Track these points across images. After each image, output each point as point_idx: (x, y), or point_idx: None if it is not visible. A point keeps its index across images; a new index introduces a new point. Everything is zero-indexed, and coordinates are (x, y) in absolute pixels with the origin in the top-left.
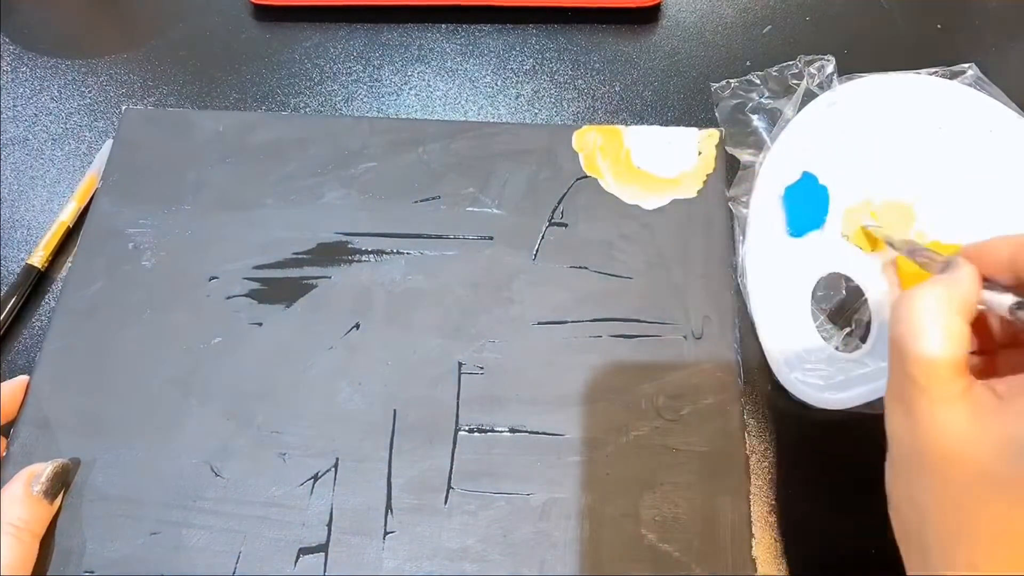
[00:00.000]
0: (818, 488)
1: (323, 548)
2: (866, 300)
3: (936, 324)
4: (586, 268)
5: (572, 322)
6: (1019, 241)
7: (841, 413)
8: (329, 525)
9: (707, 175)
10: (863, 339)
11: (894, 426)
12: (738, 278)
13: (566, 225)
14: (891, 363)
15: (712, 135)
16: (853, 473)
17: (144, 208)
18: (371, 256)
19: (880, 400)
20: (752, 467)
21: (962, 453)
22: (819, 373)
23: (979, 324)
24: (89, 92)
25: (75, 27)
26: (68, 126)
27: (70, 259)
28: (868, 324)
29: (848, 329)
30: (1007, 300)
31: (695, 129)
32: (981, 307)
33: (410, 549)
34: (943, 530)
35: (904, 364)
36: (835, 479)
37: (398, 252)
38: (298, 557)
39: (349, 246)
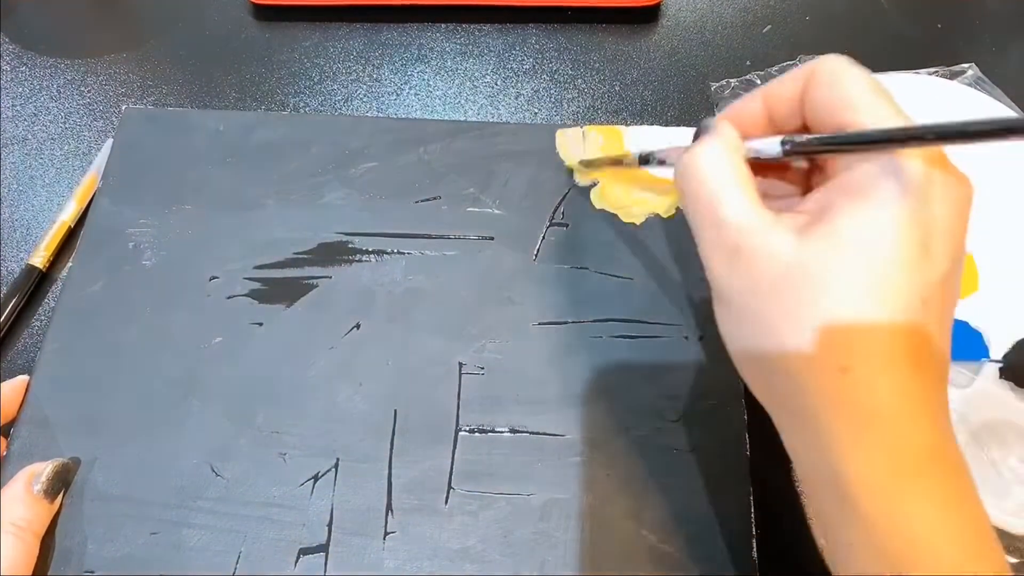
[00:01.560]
0: None
1: (323, 548)
2: None
3: (731, 166)
4: (587, 268)
5: (573, 322)
6: (766, 89)
7: None
8: (329, 525)
9: None
10: None
11: (723, 275)
12: None
13: (567, 225)
14: (697, 221)
15: None
16: None
17: (144, 208)
18: (372, 256)
19: None
20: (756, 467)
21: (800, 267)
22: None
23: None
24: (89, 92)
25: (75, 27)
26: (68, 126)
27: (71, 259)
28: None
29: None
30: (774, 142)
31: (695, 129)
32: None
33: (410, 549)
34: (808, 346)
35: (716, 213)
36: None
37: (399, 252)
38: (298, 557)
39: (350, 246)
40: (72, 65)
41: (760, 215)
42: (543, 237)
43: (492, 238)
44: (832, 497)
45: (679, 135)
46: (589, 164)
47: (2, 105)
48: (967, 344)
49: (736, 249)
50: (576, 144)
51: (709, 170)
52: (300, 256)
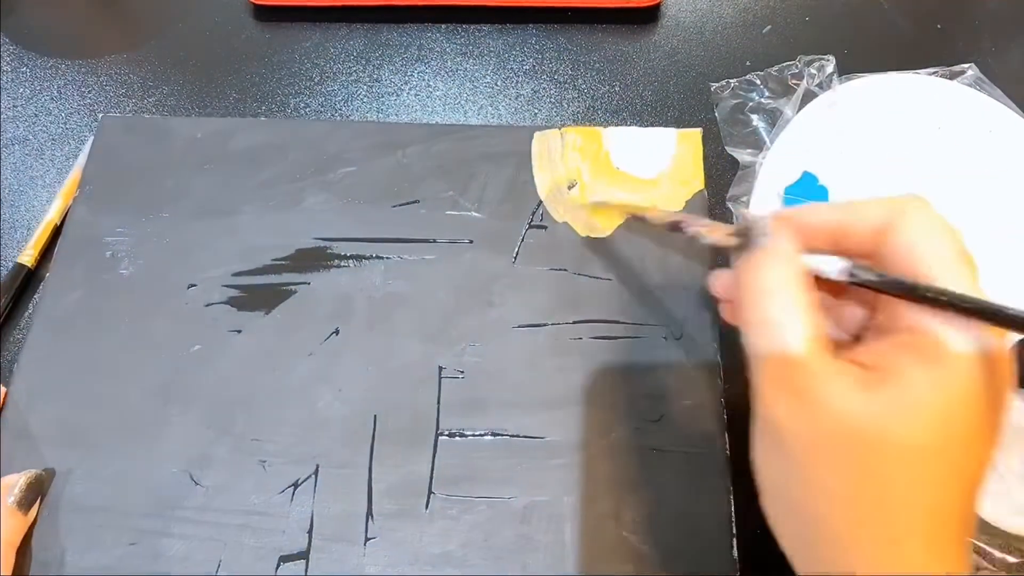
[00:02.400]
0: None
1: (304, 555)
2: None
3: (796, 300)
4: (566, 270)
5: (552, 324)
6: (847, 213)
7: None
8: (310, 532)
9: (687, 176)
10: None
11: (781, 416)
12: None
13: (546, 227)
14: (758, 351)
15: (691, 134)
16: None
17: (122, 216)
18: (350, 261)
19: None
20: (741, 466)
21: (866, 430)
22: None
23: None
24: (89, 92)
25: (75, 27)
26: (68, 126)
27: (49, 269)
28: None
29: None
30: (840, 264)
31: (673, 129)
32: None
33: (391, 555)
34: (859, 513)
35: (782, 349)
36: None
37: (377, 257)
38: (279, 565)
39: (328, 251)
40: (72, 65)
41: (826, 356)
42: (522, 239)
43: (471, 241)
44: None
45: (658, 135)
46: (602, 206)
47: (2, 105)
48: None
49: (800, 390)
50: (555, 144)
51: (774, 288)
52: (278, 262)
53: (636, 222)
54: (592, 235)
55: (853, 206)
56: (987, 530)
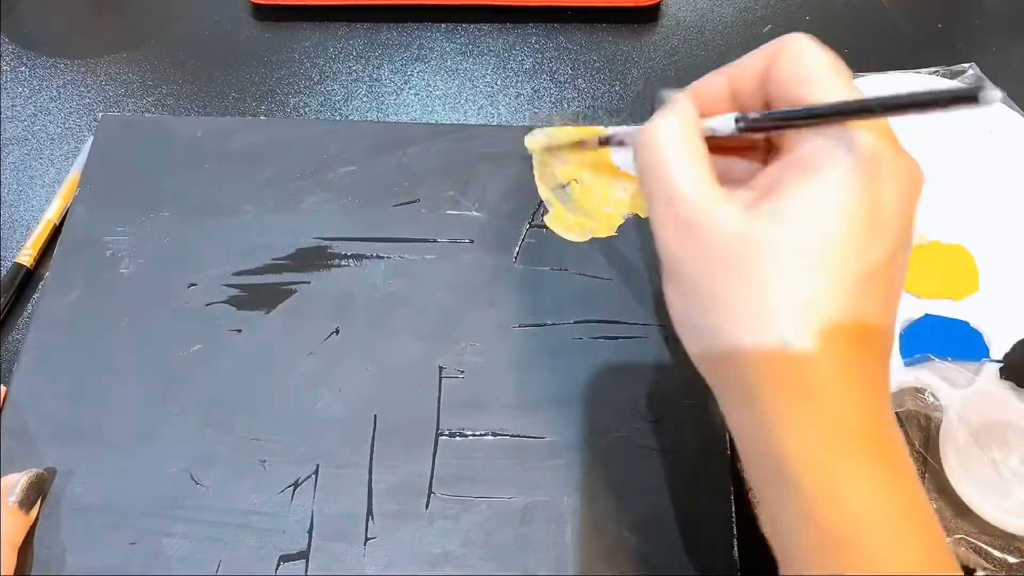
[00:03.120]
0: None
1: (304, 555)
2: None
3: (685, 142)
4: (567, 270)
5: (553, 324)
6: (731, 67)
7: None
8: (310, 532)
9: None
10: None
11: (670, 243)
12: None
13: (546, 227)
14: (651, 194)
15: None
16: None
17: (122, 215)
18: (351, 261)
19: None
20: (737, 466)
21: (744, 238)
22: None
23: None
24: (89, 92)
25: (75, 27)
26: (68, 126)
27: (48, 268)
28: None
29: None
30: (728, 119)
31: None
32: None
33: (391, 555)
34: (752, 320)
35: (668, 188)
36: None
37: (378, 256)
38: (279, 564)
39: (328, 251)
40: (72, 65)
41: (711, 190)
42: (523, 239)
43: (472, 241)
44: (773, 477)
45: None
46: (550, 149)
47: (2, 105)
48: (967, 344)
49: (687, 224)
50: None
51: (664, 145)
52: (279, 262)
53: (578, 148)
54: (585, 238)
55: (739, 62)
56: (987, 530)
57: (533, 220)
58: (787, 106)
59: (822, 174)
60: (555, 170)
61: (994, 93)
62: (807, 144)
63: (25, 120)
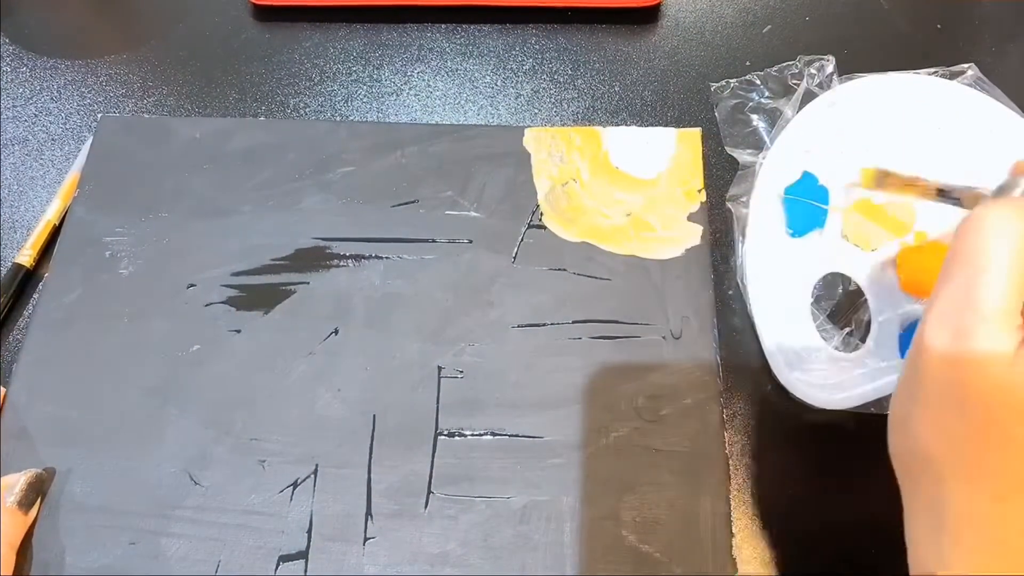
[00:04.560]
0: (817, 488)
1: (303, 555)
2: (866, 300)
3: (1013, 260)
4: (565, 270)
5: (552, 324)
6: None
7: (841, 413)
8: (309, 532)
9: (686, 175)
10: (863, 339)
11: (933, 346)
12: (738, 278)
13: (545, 227)
14: (948, 281)
15: (691, 134)
16: (852, 474)
17: (121, 216)
18: (349, 261)
19: (879, 400)
20: (750, 467)
21: (1004, 386)
22: (819, 373)
23: None
24: (89, 92)
25: (75, 27)
26: (68, 126)
27: (48, 269)
28: (868, 324)
29: (848, 329)
30: None
31: (673, 129)
32: None
33: (390, 554)
34: (970, 461)
35: (970, 287)
36: (834, 480)
37: (376, 257)
38: (278, 564)
39: (327, 251)
40: (72, 65)
41: (1010, 315)
42: (521, 239)
43: (470, 241)
44: None
45: (657, 135)
46: (884, 178)
47: (2, 105)
48: None
49: (962, 334)
50: (552, 144)
51: (995, 240)
52: (277, 262)
53: (908, 189)
54: (584, 238)
55: None
56: None
57: (532, 220)
58: None
59: None
60: (554, 170)
61: None
62: None
63: (25, 120)
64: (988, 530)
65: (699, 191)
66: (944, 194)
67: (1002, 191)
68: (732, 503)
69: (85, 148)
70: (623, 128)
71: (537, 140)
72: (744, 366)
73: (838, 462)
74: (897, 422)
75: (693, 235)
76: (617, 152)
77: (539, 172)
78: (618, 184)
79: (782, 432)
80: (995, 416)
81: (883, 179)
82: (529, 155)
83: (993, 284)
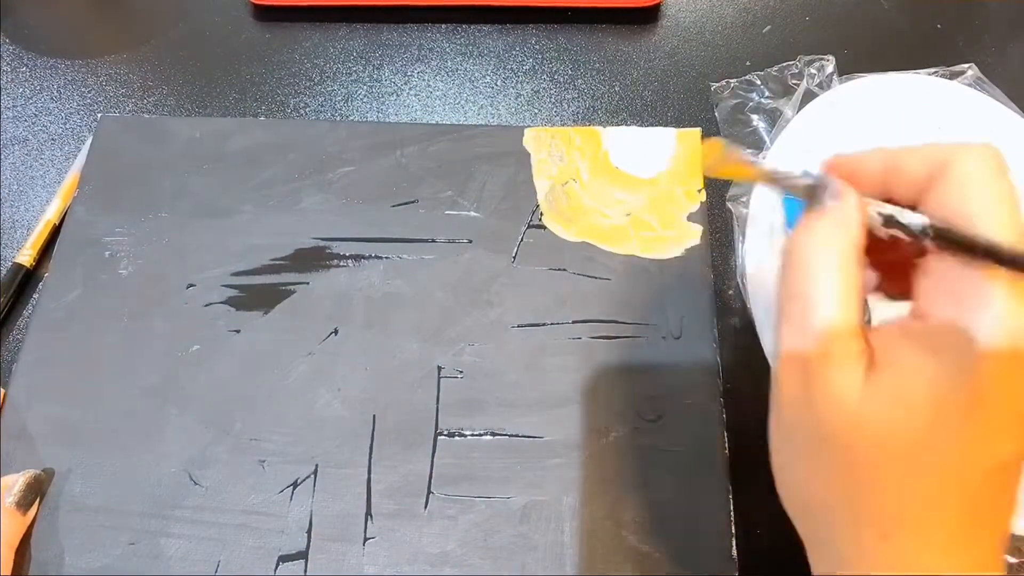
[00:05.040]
0: None
1: (303, 555)
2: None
3: (836, 281)
4: (565, 270)
5: (551, 324)
6: (892, 155)
7: None
8: (309, 532)
9: (685, 175)
10: None
11: (788, 391)
12: (738, 278)
13: (545, 227)
14: (784, 322)
15: (690, 134)
16: None
17: (121, 216)
18: (349, 261)
19: None
20: (750, 467)
21: (859, 422)
22: None
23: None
24: (89, 92)
25: (75, 27)
26: (68, 126)
27: (48, 269)
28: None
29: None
30: (918, 219)
31: (672, 129)
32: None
33: (390, 554)
34: (848, 503)
35: (805, 321)
36: None
37: (376, 257)
38: (278, 564)
39: (327, 251)
40: (72, 65)
41: (850, 341)
42: (521, 239)
43: (470, 241)
44: None
45: (657, 135)
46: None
47: (2, 105)
48: None
49: (809, 374)
50: (552, 145)
51: (821, 261)
52: (277, 262)
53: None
54: (584, 239)
55: (898, 154)
56: None
57: (532, 220)
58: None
59: (950, 359)
60: (554, 169)
61: None
62: (942, 311)
63: (25, 120)
64: (880, 567)
65: (699, 191)
66: (775, 180)
67: (813, 191)
68: (733, 503)
69: (85, 148)
70: (623, 128)
71: (537, 140)
72: (744, 366)
73: None
74: (778, 469)
75: (693, 235)
76: (617, 152)
77: (539, 172)
78: (618, 184)
79: None
80: (858, 456)
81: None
82: (529, 155)
83: (826, 314)
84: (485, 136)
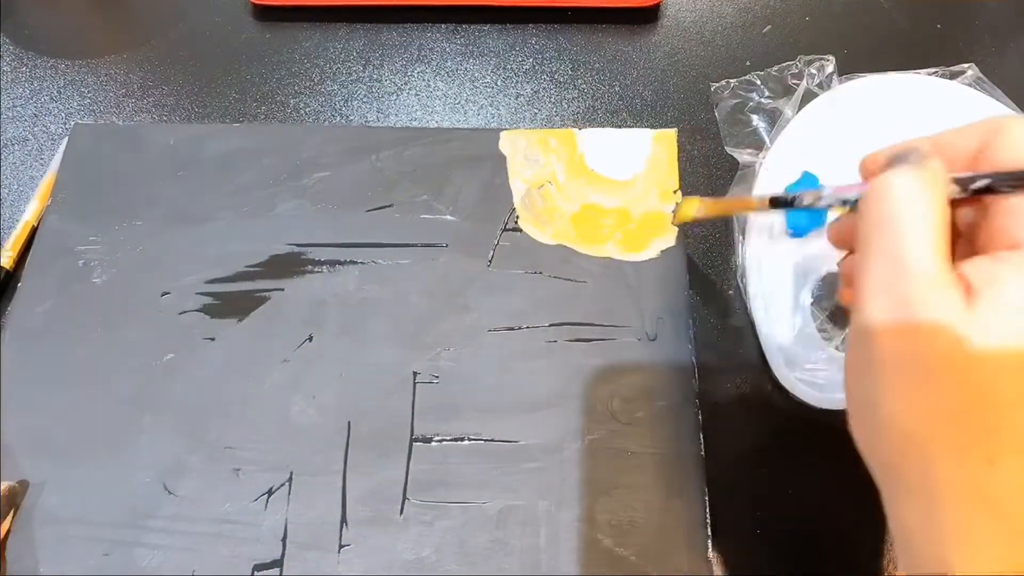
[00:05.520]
0: (817, 489)
1: (278, 563)
2: None
3: (934, 202)
4: (541, 273)
5: (528, 328)
6: (936, 139)
7: (841, 413)
8: (284, 540)
9: (661, 176)
10: None
11: (879, 324)
12: (738, 278)
13: (520, 230)
14: (874, 254)
15: (666, 135)
16: (852, 474)
17: (94, 225)
18: (324, 267)
19: None
20: (749, 467)
21: (967, 342)
22: (819, 373)
23: None
24: (89, 92)
25: (75, 27)
26: (68, 126)
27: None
28: None
29: (848, 329)
30: (980, 176)
31: (648, 130)
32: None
33: (366, 562)
34: (954, 430)
35: (898, 254)
36: (833, 480)
37: (351, 262)
38: (253, 573)
39: (302, 257)
40: (72, 65)
41: (942, 269)
42: (497, 242)
43: (446, 245)
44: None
45: (632, 137)
46: (714, 208)
47: (2, 105)
48: None
49: (906, 300)
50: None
51: (905, 200)
52: (252, 269)
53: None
54: (560, 242)
55: (944, 136)
56: None
57: (507, 223)
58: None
59: None
60: (529, 172)
61: None
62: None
63: (25, 120)
64: (985, 495)
65: (675, 192)
66: (777, 203)
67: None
68: (731, 504)
69: (62, 148)
70: (598, 130)
71: (513, 143)
72: (744, 366)
73: (838, 462)
74: (861, 410)
75: (668, 237)
76: (593, 154)
77: (515, 175)
78: (594, 186)
79: (782, 432)
80: (967, 380)
81: (704, 208)
82: (505, 158)
83: (921, 246)
84: (461, 139)
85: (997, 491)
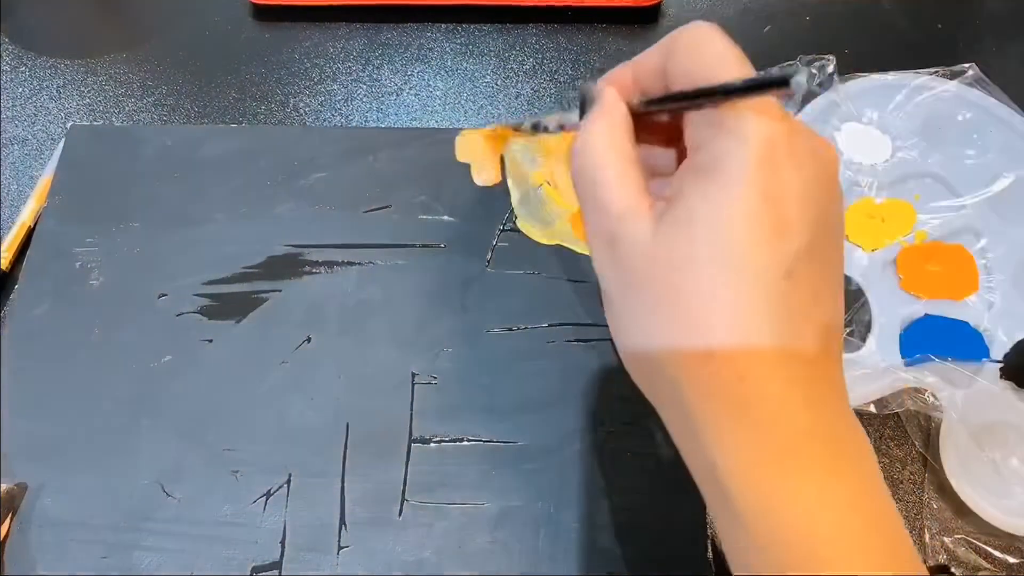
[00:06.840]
0: None
1: (277, 565)
2: (866, 300)
3: (619, 151)
4: (539, 274)
5: (526, 328)
6: (637, 63)
7: None
8: (283, 542)
9: None
10: (863, 339)
11: (596, 255)
12: None
13: (519, 231)
14: (584, 201)
15: None
16: None
17: (91, 227)
18: (322, 268)
19: (880, 400)
20: None
21: (655, 254)
22: None
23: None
24: (89, 92)
25: (75, 27)
26: (67, 126)
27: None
28: (868, 324)
29: (848, 329)
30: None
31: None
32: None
33: (365, 563)
34: (679, 342)
35: (601, 197)
36: None
37: (349, 263)
38: (251, 575)
39: (300, 258)
40: (72, 65)
41: (635, 203)
42: (495, 243)
43: (444, 245)
44: (714, 494)
45: None
46: (488, 137)
47: (2, 105)
48: (967, 344)
49: (610, 239)
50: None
51: (598, 153)
52: (249, 270)
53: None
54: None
55: (639, 57)
56: (987, 530)
57: (505, 224)
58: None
59: (717, 176)
60: (527, 172)
61: (799, 79)
62: (705, 144)
63: (25, 120)
64: (722, 395)
65: None
66: (539, 128)
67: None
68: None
69: (58, 150)
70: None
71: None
72: None
73: None
74: (622, 350)
75: None
76: None
77: (513, 175)
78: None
79: None
80: (667, 294)
81: (489, 139)
82: (504, 158)
83: (607, 187)
84: None
85: (722, 385)
